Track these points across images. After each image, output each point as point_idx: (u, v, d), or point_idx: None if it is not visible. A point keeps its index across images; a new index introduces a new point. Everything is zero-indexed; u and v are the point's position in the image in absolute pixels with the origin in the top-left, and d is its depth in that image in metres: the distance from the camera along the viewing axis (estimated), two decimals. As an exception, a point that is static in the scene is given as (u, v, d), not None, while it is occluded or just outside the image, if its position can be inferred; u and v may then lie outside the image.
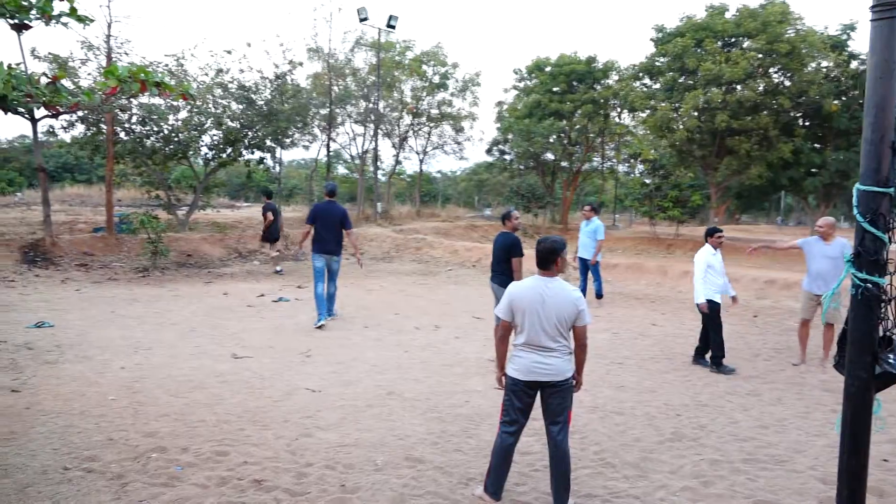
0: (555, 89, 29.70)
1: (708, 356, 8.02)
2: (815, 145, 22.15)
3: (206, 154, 20.90)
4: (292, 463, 4.65)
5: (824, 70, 21.02)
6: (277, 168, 23.39)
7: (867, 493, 4.39)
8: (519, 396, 4.17)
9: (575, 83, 29.57)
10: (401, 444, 5.12)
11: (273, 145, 21.73)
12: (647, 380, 7.31)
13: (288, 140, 22.53)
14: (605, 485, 4.50)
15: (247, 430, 5.27)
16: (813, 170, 21.58)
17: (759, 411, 6.25)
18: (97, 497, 3.97)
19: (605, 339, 9.31)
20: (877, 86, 1.96)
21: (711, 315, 7.87)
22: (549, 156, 30.87)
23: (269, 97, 21.23)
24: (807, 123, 22.18)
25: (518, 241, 7.58)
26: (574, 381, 4.21)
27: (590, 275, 12.36)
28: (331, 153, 30.80)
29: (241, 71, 24.33)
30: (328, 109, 27.36)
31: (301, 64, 23.31)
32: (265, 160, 22.15)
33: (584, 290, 12.53)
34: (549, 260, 4.16)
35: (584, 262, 12.36)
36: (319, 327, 9.40)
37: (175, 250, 16.06)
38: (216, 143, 20.52)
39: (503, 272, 7.55)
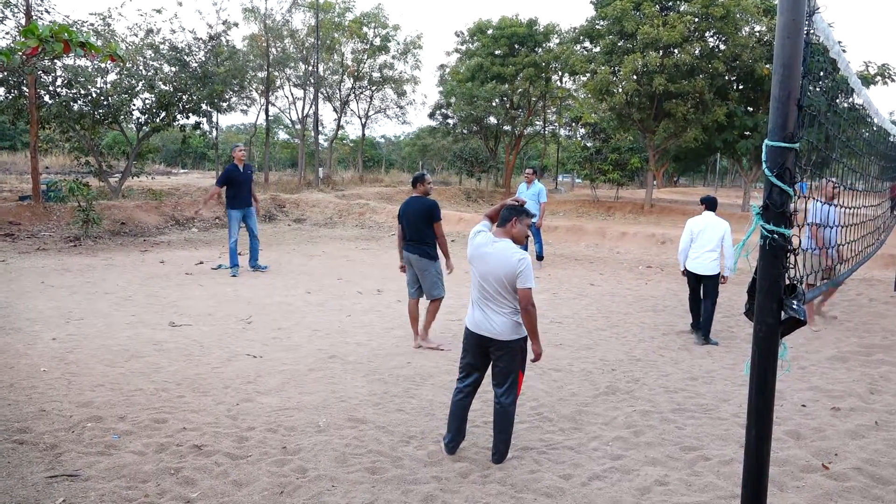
0: (497, 52, 29.60)
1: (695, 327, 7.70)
2: (748, 108, 22.74)
3: (139, 119, 20.11)
4: (233, 428, 4.64)
5: (757, 34, 21.51)
6: (214, 133, 22.72)
7: (785, 436, 4.68)
8: (470, 349, 4.32)
9: (516, 46, 29.53)
10: (343, 405, 5.17)
11: (209, 109, 21.06)
12: (585, 337, 7.53)
13: (224, 104, 21.89)
14: (541, 438, 4.65)
15: (186, 397, 5.22)
16: (746, 132, 22.19)
17: (690, 364, 6.53)
18: (29, 468, 3.89)
19: (544, 299, 9.51)
20: (784, 45, 2.05)
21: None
22: (492, 120, 30.93)
23: (204, 59, 20.52)
24: (740, 87, 22.73)
25: (437, 204, 6.90)
26: (522, 345, 4.25)
27: (531, 237, 12.55)
28: (270, 117, 30.11)
29: (173, 31, 23.51)
30: (266, 72, 26.64)
31: (236, 25, 22.56)
32: (201, 125, 21.46)
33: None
34: (506, 218, 4.23)
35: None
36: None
37: (108, 218, 15.53)
38: (149, 107, 19.76)
39: (423, 241, 6.82)
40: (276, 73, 28.72)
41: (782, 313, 2.10)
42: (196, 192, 22.03)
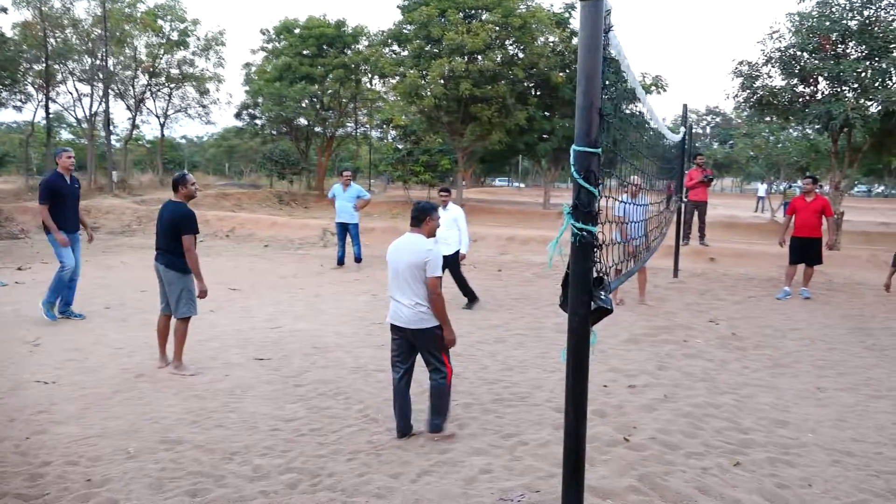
0: (305, 52, 29.12)
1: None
2: (546, 113, 24.49)
3: None
4: (24, 465, 4.12)
5: (551, 44, 23.22)
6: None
7: (591, 415, 5.10)
8: (392, 338, 4.71)
9: (325, 47, 29.26)
10: (155, 427, 4.80)
11: (-27, 105, 18.52)
12: (406, 336, 7.65)
13: (-7, 99, 19.36)
14: (369, 440, 4.66)
15: (-39, 435, 4.55)
16: (544, 135, 23.87)
17: (505, 356, 6.89)
18: None
19: (365, 301, 9.54)
20: (586, 59, 2.24)
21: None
22: (303, 121, 30.38)
23: (-35, 47, 17.99)
24: (538, 93, 24.39)
25: (192, 215, 6.03)
26: (436, 331, 4.55)
27: (349, 240, 12.55)
28: (51, 115, 27.14)
29: (-76, 14, 20.26)
30: (44, 65, 23.97)
31: (5, 10, 20.04)
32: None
33: (342, 257, 12.67)
34: (418, 218, 4.59)
35: (343, 227, 12.53)
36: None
37: None
38: None
39: (171, 251, 6.02)
40: (57, 67, 25.95)
41: (592, 304, 2.30)
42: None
